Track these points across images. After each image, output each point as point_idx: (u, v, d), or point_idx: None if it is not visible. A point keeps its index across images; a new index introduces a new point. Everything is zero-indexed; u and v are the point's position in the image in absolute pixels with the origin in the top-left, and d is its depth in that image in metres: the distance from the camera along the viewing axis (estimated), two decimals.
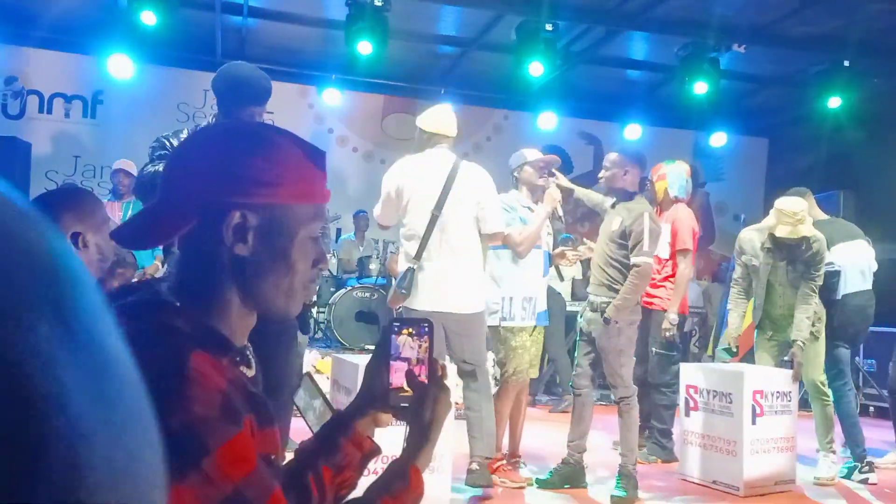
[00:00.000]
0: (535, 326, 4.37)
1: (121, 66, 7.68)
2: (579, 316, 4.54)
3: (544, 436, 5.18)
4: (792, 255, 4.62)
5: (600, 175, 4.31)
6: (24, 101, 8.22)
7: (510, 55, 7.35)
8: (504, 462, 4.35)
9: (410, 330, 1.24)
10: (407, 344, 1.23)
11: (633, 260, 4.09)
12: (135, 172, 6.39)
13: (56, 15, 7.54)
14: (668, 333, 4.66)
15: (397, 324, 1.25)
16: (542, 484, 4.27)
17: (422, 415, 1.18)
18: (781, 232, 4.51)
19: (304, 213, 1.05)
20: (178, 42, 7.61)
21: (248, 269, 1.02)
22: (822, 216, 5.09)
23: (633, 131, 9.35)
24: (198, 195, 1.01)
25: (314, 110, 9.09)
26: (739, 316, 4.93)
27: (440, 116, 4.19)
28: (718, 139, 9.71)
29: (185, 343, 0.94)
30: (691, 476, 4.49)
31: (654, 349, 4.84)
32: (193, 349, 0.93)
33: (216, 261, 1.02)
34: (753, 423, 4.23)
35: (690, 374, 4.62)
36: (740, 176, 10.23)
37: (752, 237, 4.82)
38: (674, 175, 5.12)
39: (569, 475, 4.32)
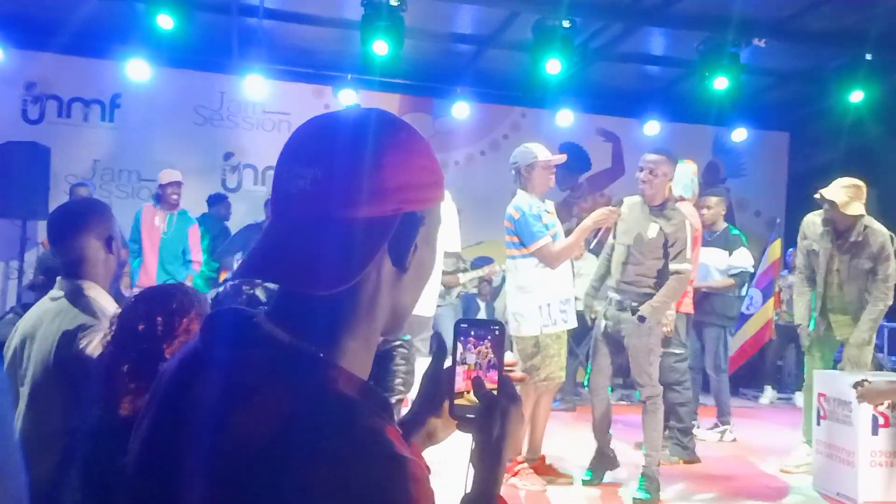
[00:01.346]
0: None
1: (138, 70, 7.73)
2: (592, 315, 4.52)
3: (553, 435, 5.14)
4: (849, 243, 4.50)
5: (643, 180, 4.20)
6: (44, 105, 8.28)
7: (527, 53, 7.30)
8: (525, 465, 4.33)
9: (479, 332, 1.07)
10: (474, 348, 1.06)
11: (676, 267, 4.10)
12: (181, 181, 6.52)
13: (74, 21, 7.58)
14: (665, 329, 4.63)
15: (464, 325, 1.07)
16: (587, 483, 4.36)
17: (489, 429, 0.98)
18: (829, 194, 4.45)
19: (439, 212, 0.93)
20: (194, 45, 7.61)
21: (405, 285, 0.89)
22: None
23: (653, 127, 9.26)
24: (380, 214, 0.83)
25: (330, 110, 9.05)
26: (805, 306, 4.84)
27: None
28: (739, 134, 9.59)
29: (378, 423, 0.78)
30: (820, 488, 4.37)
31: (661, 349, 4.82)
32: (386, 426, 0.78)
33: (376, 280, 0.86)
34: (875, 433, 4.04)
35: (821, 381, 4.50)
36: (761, 171, 10.10)
37: (815, 220, 4.73)
38: (679, 174, 5.10)
39: (606, 464, 4.40)
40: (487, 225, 8.55)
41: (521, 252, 4.23)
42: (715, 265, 5.73)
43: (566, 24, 6.80)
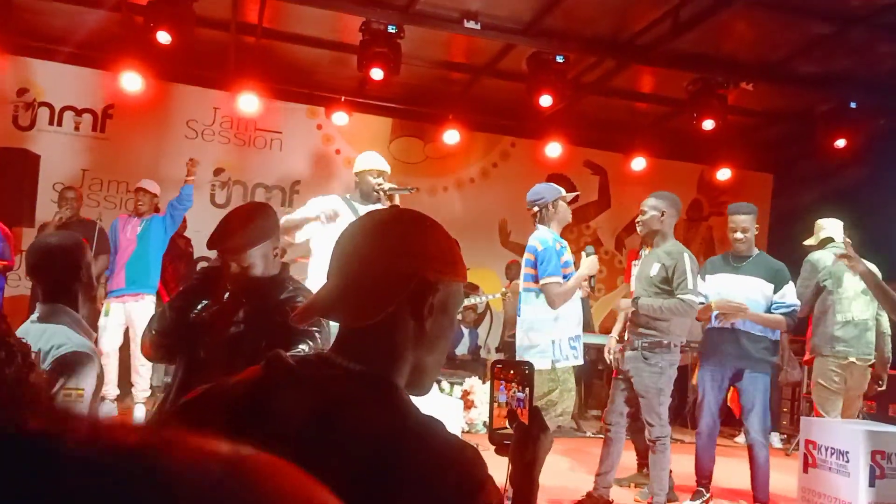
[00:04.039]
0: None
1: (132, 82, 7.71)
2: (609, 352, 4.62)
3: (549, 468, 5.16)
4: None
5: (637, 220, 4.44)
6: (35, 113, 8.25)
7: (520, 83, 7.41)
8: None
9: (512, 371, 1.28)
10: (508, 384, 1.27)
11: (680, 296, 4.17)
12: (154, 191, 6.49)
13: (70, 29, 7.60)
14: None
15: (499, 365, 1.30)
16: None
17: (523, 454, 1.21)
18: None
19: (461, 291, 1.16)
20: (189, 59, 7.66)
21: (426, 343, 1.11)
22: None
23: (639, 163, 9.39)
24: (400, 273, 1.08)
25: (322, 131, 9.12)
26: None
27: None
28: (723, 174, 9.75)
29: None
30: None
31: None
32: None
33: (406, 335, 1.09)
34: (871, 485, 3.99)
35: (809, 428, 4.50)
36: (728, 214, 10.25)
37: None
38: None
39: None
40: (475, 252, 8.61)
41: (535, 285, 4.25)
42: (754, 298, 4.75)
43: (560, 59, 6.92)
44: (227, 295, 2.43)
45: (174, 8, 6.14)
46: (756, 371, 4.58)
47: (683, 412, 8.02)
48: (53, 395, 2.39)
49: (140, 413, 6.06)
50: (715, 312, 4.58)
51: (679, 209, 4.55)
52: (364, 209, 4.29)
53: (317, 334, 2.33)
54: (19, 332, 2.50)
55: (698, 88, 7.29)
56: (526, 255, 4.37)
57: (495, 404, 1.27)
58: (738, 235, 4.69)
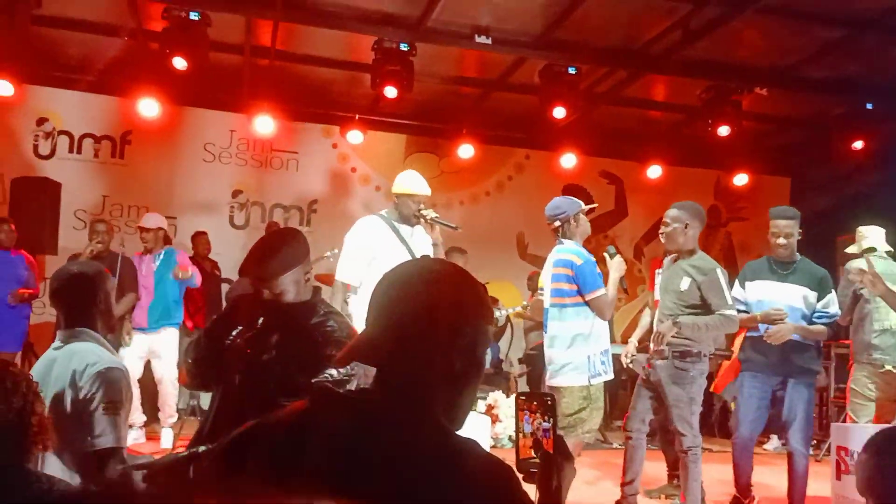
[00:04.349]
0: None
1: (149, 108, 7.81)
2: (626, 356, 4.60)
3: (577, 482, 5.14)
4: None
5: (661, 231, 4.40)
6: (55, 141, 8.38)
7: (532, 96, 7.43)
8: None
9: (535, 403, 1.37)
10: (532, 415, 1.35)
11: (720, 313, 4.15)
12: (152, 226, 6.43)
13: (87, 57, 7.73)
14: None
15: (523, 397, 1.39)
16: None
17: (549, 481, 1.29)
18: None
19: (489, 333, 1.27)
20: (205, 83, 7.76)
21: (458, 382, 1.21)
22: None
23: (655, 171, 9.37)
24: (431, 322, 1.19)
25: (338, 150, 9.19)
26: None
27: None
28: (740, 179, 9.71)
29: None
30: None
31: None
32: None
33: (438, 376, 1.19)
34: None
35: (841, 434, 4.44)
36: (762, 215, 10.17)
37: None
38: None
39: None
40: (493, 265, 8.62)
41: (574, 300, 4.18)
42: (798, 306, 4.55)
43: (572, 70, 6.94)
44: (260, 321, 2.46)
45: (189, 34, 6.23)
46: (800, 381, 4.48)
47: (710, 420, 7.96)
48: (93, 411, 2.45)
49: (167, 438, 6.09)
50: (763, 328, 4.50)
51: (703, 219, 4.48)
52: (407, 231, 4.40)
53: None
54: (43, 360, 2.59)
55: (712, 95, 7.29)
56: (557, 270, 4.27)
57: (521, 434, 1.36)
58: (781, 241, 4.54)
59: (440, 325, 1.18)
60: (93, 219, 7.11)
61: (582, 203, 4.44)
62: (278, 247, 2.47)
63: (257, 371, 2.36)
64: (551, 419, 1.35)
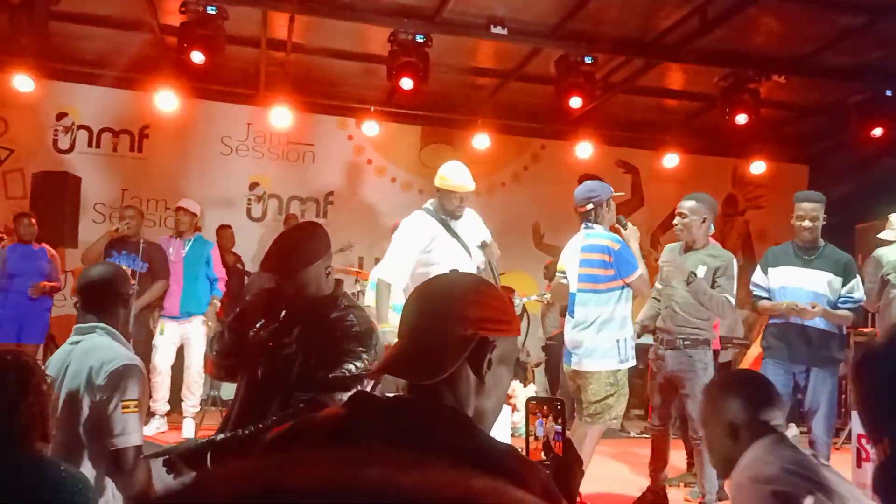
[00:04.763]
0: None
1: (166, 101, 7.86)
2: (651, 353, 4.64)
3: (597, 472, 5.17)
4: None
5: (675, 222, 4.44)
6: (75, 135, 8.46)
7: (548, 85, 7.42)
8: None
9: (545, 407, 1.42)
10: (542, 420, 1.41)
11: (727, 296, 4.33)
12: (194, 210, 6.52)
13: (105, 52, 7.79)
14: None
15: (533, 402, 1.45)
16: None
17: (560, 483, 1.32)
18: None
19: (516, 343, 1.32)
20: (221, 77, 7.80)
21: (486, 392, 1.25)
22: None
23: (671, 160, 9.33)
24: (460, 337, 1.22)
25: (353, 142, 9.22)
26: None
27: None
28: (758, 167, 9.64)
29: None
30: None
31: None
32: None
33: (468, 387, 1.23)
34: None
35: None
36: (780, 204, 10.12)
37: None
38: None
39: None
40: (509, 255, 8.60)
41: (608, 286, 4.20)
42: (823, 292, 4.50)
43: (588, 60, 6.92)
44: (282, 314, 2.50)
45: (206, 28, 6.26)
46: (825, 369, 4.44)
47: None
48: (112, 410, 2.50)
49: (189, 427, 6.17)
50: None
51: (716, 212, 4.57)
52: (455, 224, 4.34)
53: (364, 355, 2.37)
54: (60, 354, 2.65)
55: (729, 84, 7.23)
56: (590, 255, 4.27)
57: (532, 437, 1.41)
58: (807, 224, 4.49)
59: (466, 338, 1.21)
60: (124, 206, 7.17)
61: (612, 189, 4.47)
62: (299, 241, 2.49)
63: (279, 364, 2.39)
64: (562, 423, 1.41)
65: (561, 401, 1.44)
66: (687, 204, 4.45)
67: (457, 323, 1.23)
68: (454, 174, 4.34)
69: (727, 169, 10.09)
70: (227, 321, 2.66)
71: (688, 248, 4.49)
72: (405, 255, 4.26)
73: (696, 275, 4.29)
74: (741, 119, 7.28)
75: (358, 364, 2.35)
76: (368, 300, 5.35)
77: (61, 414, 2.51)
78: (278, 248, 2.48)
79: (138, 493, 2.52)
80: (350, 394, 2.25)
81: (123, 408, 2.52)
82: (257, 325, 2.52)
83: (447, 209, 4.32)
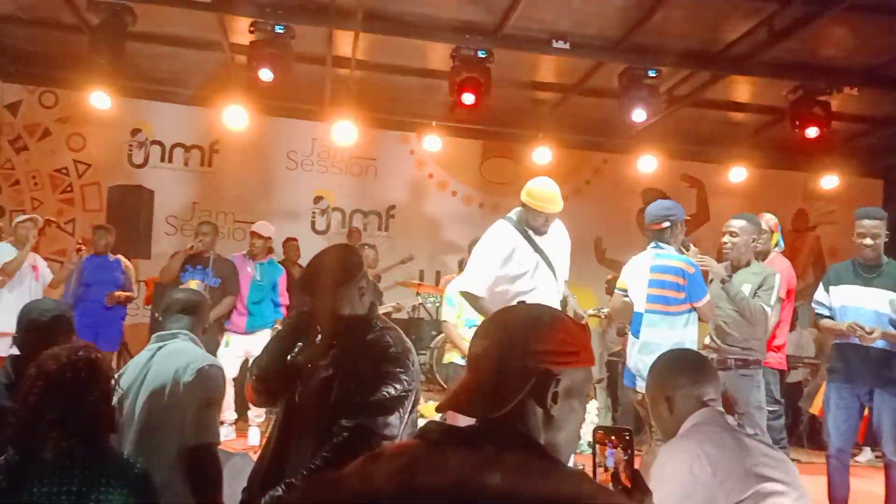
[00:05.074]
0: None
1: (235, 117, 8.08)
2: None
3: None
4: None
5: (725, 241, 4.42)
6: (148, 151, 8.79)
7: (610, 99, 7.36)
8: None
9: (614, 437, 1.39)
10: (612, 450, 1.38)
11: (763, 305, 4.29)
12: (267, 234, 6.60)
13: (178, 71, 8.09)
14: None
15: (601, 431, 1.41)
16: None
17: None
18: None
19: (587, 374, 1.28)
20: (288, 94, 8.00)
21: (555, 426, 1.23)
22: None
23: (738, 174, 9.12)
24: (524, 369, 1.21)
25: (415, 156, 9.32)
26: None
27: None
28: (829, 181, 9.35)
29: None
30: None
31: None
32: None
33: (536, 421, 1.21)
34: None
35: None
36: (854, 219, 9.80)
37: None
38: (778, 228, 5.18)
39: None
40: (570, 271, 8.54)
41: (680, 308, 4.15)
42: (885, 311, 4.34)
43: (652, 73, 6.84)
44: (318, 337, 2.49)
45: (274, 47, 6.43)
46: (887, 391, 4.27)
47: (798, 430, 7.69)
48: (193, 408, 2.59)
49: (255, 436, 6.29)
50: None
51: (762, 231, 4.63)
52: (540, 239, 4.24)
53: (403, 377, 2.33)
54: (139, 359, 2.78)
55: (799, 96, 7.04)
56: (662, 276, 4.21)
57: (601, 469, 1.38)
58: (868, 241, 4.34)
59: (527, 371, 1.20)
60: (200, 222, 7.17)
61: (685, 211, 4.49)
62: (331, 262, 2.49)
63: (316, 387, 2.36)
64: (630, 453, 1.37)
65: (630, 430, 1.39)
66: (738, 223, 4.45)
67: (518, 356, 1.21)
68: (542, 195, 4.21)
69: (797, 183, 9.81)
70: (266, 345, 2.62)
71: (735, 268, 4.44)
72: (485, 266, 4.17)
73: (730, 277, 4.30)
74: (812, 132, 7.07)
75: (397, 386, 2.30)
76: (445, 315, 5.37)
77: (140, 414, 2.63)
78: (311, 269, 2.50)
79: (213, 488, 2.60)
80: (393, 417, 2.24)
81: (206, 406, 2.63)
82: (296, 349, 2.51)
83: (534, 226, 4.22)
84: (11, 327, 3.02)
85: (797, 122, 7.07)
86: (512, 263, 4.14)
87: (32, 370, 2.03)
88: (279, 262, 6.92)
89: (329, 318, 2.44)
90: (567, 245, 4.49)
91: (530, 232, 4.21)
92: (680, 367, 2.25)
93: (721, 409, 2.19)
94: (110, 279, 6.61)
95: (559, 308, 4.14)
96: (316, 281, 2.46)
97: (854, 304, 4.37)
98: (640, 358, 4.23)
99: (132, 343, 7.02)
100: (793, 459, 5.69)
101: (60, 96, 8.50)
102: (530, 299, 3.75)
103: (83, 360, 2.05)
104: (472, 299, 4.18)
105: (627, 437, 1.38)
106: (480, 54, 6.66)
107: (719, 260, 4.63)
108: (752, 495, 1.94)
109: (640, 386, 4.20)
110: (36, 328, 2.72)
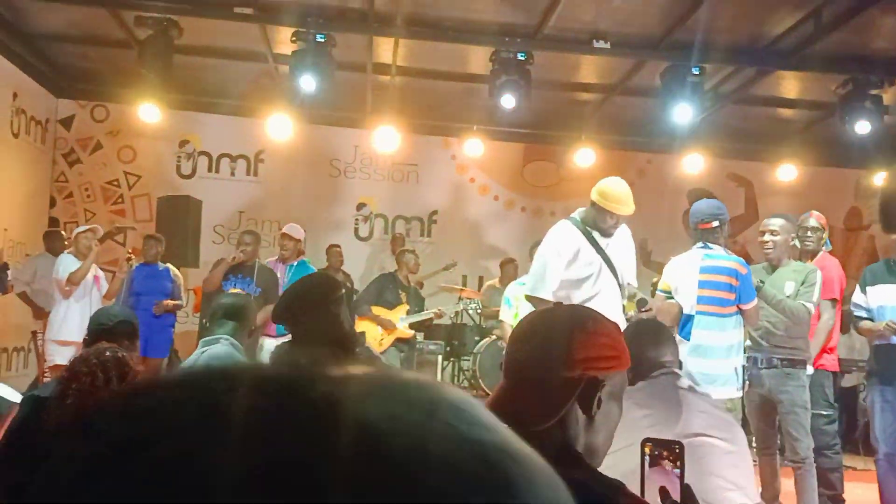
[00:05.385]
0: None
1: (279, 127, 8.21)
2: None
3: None
4: None
5: (766, 240, 4.37)
6: (196, 161, 8.97)
7: (654, 98, 7.27)
8: None
9: (664, 451, 1.35)
10: (660, 461, 1.34)
11: (802, 302, 4.21)
12: (298, 236, 6.63)
13: (223, 82, 8.24)
14: None
15: (649, 443, 1.37)
16: None
17: None
18: None
19: (625, 376, 1.29)
20: (330, 102, 8.07)
21: (596, 429, 1.23)
22: None
23: (788, 172, 8.92)
24: (568, 380, 1.21)
25: (456, 161, 9.33)
26: None
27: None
28: (883, 178, 9.06)
29: None
30: None
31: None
32: None
33: (578, 428, 1.22)
34: None
35: None
36: None
37: None
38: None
39: None
40: None
41: (732, 310, 4.10)
42: None
43: (696, 70, 6.73)
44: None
45: (316, 55, 6.51)
46: None
47: (854, 436, 7.46)
48: None
49: None
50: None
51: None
52: (602, 240, 4.08)
53: None
54: (187, 363, 2.93)
55: (849, 90, 6.85)
56: (715, 277, 4.12)
57: (648, 481, 1.34)
58: None
59: (574, 380, 1.20)
60: (242, 231, 7.11)
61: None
62: (302, 290, 2.56)
63: None
64: (680, 466, 1.33)
65: (680, 444, 1.35)
66: (777, 221, 4.38)
67: (563, 366, 1.20)
68: (614, 196, 4.01)
69: (849, 181, 9.54)
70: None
71: (774, 268, 4.35)
72: (551, 268, 4.04)
73: (763, 282, 4.21)
74: (863, 127, 6.87)
75: None
76: (503, 315, 5.60)
77: None
78: (283, 299, 2.58)
79: None
80: None
81: None
82: None
83: (599, 226, 4.06)
84: (78, 337, 3.20)
85: (847, 118, 6.88)
86: (576, 266, 4.01)
87: (65, 373, 2.13)
88: (322, 270, 6.99)
89: (306, 345, 2.46)
90: (632, 248, 4.34)
91: (595, 234, 4.06)
92: (637, 330, 2.49)
93: (678, 370, 2.33)
94: (160, 288, 6.74)
95: (621, 313, 4.08)
96: (287, 309, 2.54)
97: (892, 303, 4.27)
98: (690, 360, 4.09)
99: (182, 350, 7.16)
100: (847, 467, 5.56)
101: (111, 110, 8.73)
102: (593, 305, 3.65)
103: (111, 360, 2.13)
104: (538, 304, 3.92)
105: (678, 451, 1.33)
106: (520, 56, 6.64)
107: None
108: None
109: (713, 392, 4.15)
110: (102, 332, 2.87)
